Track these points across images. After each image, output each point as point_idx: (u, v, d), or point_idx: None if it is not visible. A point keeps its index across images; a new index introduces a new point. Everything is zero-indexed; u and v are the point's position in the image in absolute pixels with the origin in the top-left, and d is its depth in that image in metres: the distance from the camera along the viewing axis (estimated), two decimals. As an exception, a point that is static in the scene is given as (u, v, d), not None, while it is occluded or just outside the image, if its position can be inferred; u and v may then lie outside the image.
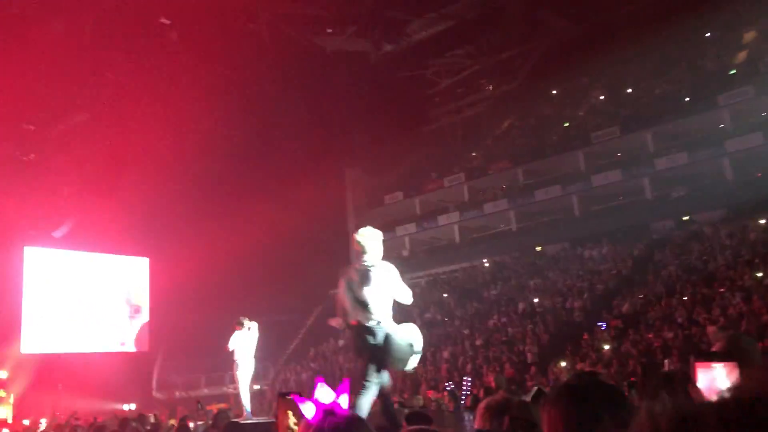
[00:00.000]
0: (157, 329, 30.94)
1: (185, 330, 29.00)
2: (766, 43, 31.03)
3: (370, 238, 5.47)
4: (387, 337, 5.39)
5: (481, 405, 2.93)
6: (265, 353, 34.06)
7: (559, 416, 1.50)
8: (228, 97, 33.42)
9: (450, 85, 40.10)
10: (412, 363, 5.54)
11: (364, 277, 5.37)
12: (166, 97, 30.95)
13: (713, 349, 3.18)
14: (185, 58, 31.99)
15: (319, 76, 35.05)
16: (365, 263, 5.43)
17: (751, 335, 14.10)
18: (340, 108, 35.65)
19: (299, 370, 29.02)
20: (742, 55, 32.29)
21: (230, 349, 10.75)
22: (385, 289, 5.44)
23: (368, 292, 5.34)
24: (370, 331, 5.36)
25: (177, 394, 31.79)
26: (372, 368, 5.34)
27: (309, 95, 35.41)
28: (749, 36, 32.85)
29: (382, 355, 5.38)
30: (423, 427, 3.31)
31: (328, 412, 1.71)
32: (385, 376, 5.46)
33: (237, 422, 9.61)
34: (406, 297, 5.53)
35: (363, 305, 5.36)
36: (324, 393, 1.82)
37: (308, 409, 1.80)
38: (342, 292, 5.54)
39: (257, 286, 37.32)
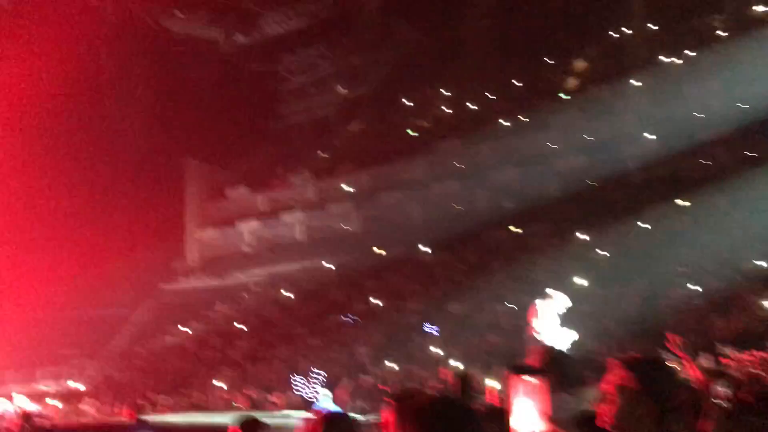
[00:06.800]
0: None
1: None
2: (595, 72, 33.59)
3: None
4: None
5: None
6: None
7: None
8: (64, 72, 31.18)
9: (301, 84, 39.88)
10: None
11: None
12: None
13: (527, 361, 3.13)
14: (19, 26, 29.53)
15: (164, 59, 33.55)
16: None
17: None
18: (184, 96, 34.36)
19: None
20: (572, 82, 34.71)
21: None
22: None
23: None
24: None
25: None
26: None
27: (151, 78, 33.80)
28: (580, 66, 35.40)
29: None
30: None
31: None
32: None
33: None
34: None
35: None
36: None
37: None
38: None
39: (71, 276, 34.69)
